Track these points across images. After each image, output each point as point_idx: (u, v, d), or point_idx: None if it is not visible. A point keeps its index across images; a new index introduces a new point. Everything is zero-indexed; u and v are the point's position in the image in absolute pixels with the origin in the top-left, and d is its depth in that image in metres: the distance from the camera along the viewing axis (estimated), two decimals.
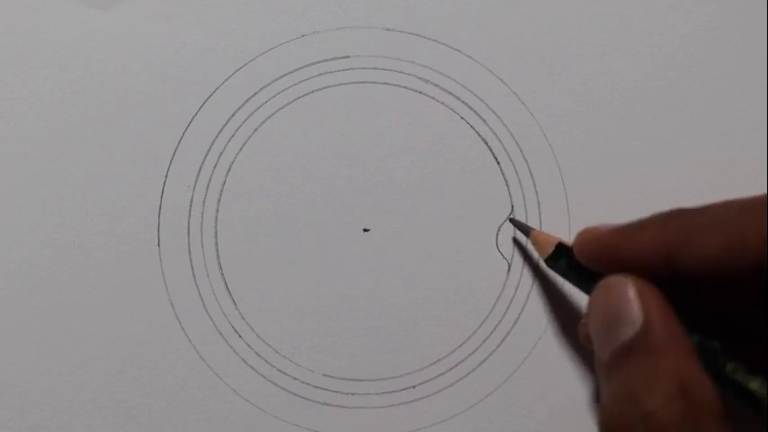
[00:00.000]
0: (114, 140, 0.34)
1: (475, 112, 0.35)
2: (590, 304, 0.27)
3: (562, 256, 0.31)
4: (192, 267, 0.34)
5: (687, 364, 0.24)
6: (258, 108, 0.34)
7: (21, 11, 0.34)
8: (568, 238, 0.35)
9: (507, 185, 0.35)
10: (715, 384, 0.24)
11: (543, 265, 0.33)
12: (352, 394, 0.34)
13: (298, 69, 0.35)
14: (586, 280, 0.29)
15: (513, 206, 0.35)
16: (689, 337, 0.25)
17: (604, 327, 0.26)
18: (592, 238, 0.28)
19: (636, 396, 0.24)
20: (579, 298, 0.35)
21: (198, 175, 0.34)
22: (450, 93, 0.35)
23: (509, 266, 0.35)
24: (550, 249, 0.31)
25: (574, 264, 0.30)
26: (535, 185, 0.35)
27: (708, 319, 0.26)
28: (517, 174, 0.35)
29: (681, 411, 0.23)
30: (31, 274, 0.33)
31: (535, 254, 0.34)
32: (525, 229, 0.34)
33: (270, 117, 0.35)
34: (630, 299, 0.25)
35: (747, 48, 0.36)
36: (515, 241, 0.34)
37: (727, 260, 0.23)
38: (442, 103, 0.35)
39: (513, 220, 0.35)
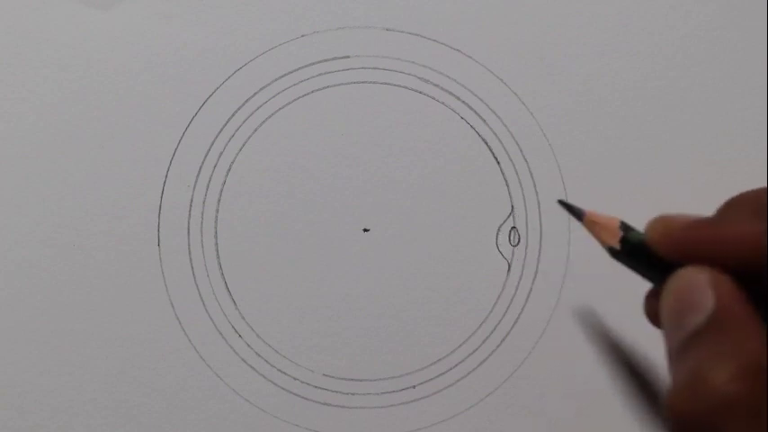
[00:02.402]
0: (114, 140, 0.34)
1: (475, 112, 0.35)
2: (663, 295, 0.27)
3: (631, 244, 0.30)
4: (192, 267, 0.34)
5: (758, 345, 0.24)
6: (258, 108, 0.34)
7: (21, 11, 0.34)
8: (567, 240, 0.35)
9: (507, 185, 0.35)
10: None
11: (542, 254, 0.33)
12: (352, 394, 0.34)
13: (298, 69, 0.35)
14: (656, 270, 0.28)
15: (513, 206, 0.35)
16: (764, 323, 0.25)
17: (676, 315, 0.26)
18: (671, 229, 0.27)
19: (702, 376, 0.23)
20: (580, 298, 0.35)
21: (198, 175, 0.34)
22: (451, 93, 0.35)
23: (509, 266, 0.35)
24: (616, 235, 0.30)
25: (645, 253, 0.29)
26: (535, 185, 0.35)
27: None
28: (517, 174, 0.35)
29: (748, 389, 0.22)
30: (31, 274, 0.33)
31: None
32: (577, 213, 0.33)
33: (270, 117, 0.35)
34: (704, 287, 0.25)
35: (747, 48, 0.36)
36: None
37: None
38: (442, 103, 0.35)
39: (562, 203, 0.33)
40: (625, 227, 0.30)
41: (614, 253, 0.30)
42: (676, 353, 0.25)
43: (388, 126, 0.35)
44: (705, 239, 0.26)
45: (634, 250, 0.30)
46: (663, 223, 0.28)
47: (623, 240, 0.30)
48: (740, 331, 0.24)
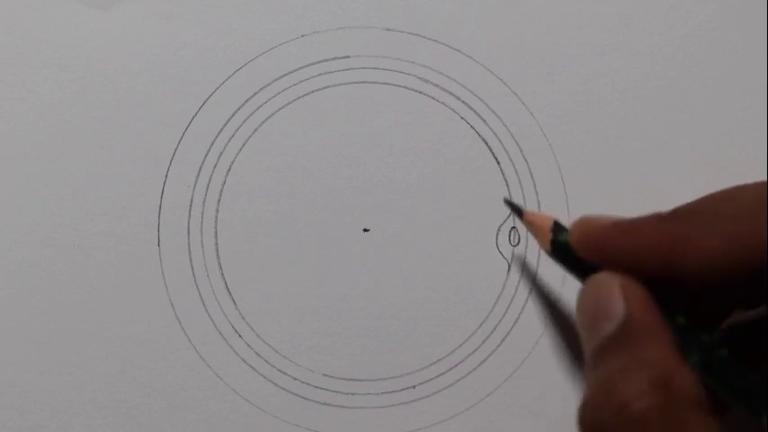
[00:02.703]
0: (114, 140, 0.34)
1: (475, 112, 0.35)
2: (577, 300, 0.27)
3: (559, 245, 0.30)
4: (192, 267, 0.34)
5: (667, 357, 0.23)
6: (258, 108, 0.34)
7: (21, 11, 0.34)
8: None
9: (507, 185, 0.35)
10: (702, 380, 0.24)
11: (541, 254, 0.33)
12: (352, 394, 0.34)
13: (298, 69, 0.35)
14: (580, 271, 0.29)
15: None
16: (673, 332, 0.24)
17: (588, 322, 0.26)
18: (590, 230, 0.27)
19: (612, 388, 0.23)
20: None
21: (198, 175, 0.34)
22: (451, 93, 0.35)
23: (509, 266, 0.35)
24: (548, 236, 0.30)
25: (571, 255, 0.29)
26: (535, 185, 0.35)
27: (708, 318, 0.26)
28: (517, 174, 0.35)
29: (658, 404, 0.22)
30: (31, 274, 0.33)
31: (533, 242, 0.34)
32: (518, 212, 0.33)
33: (270, 117, 0.35)
34: (614, 295, 0.25)
35: (747, 48, 0.36)
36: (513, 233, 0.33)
37: (727, 262, 0.23)
38: (442, 103, 0.35)
39: (507, 201, 0.34)
40: (557, 227, 0.30)
41: (549, 253, 0.31)
42: (590, 361, 0.25)
43: (388, 126, 0.35)
44: (619, 244, 0.26)
45: (562, 251, 0.30)
46: (583, 225, 0.28)
47: (553, 241, 0.30)
48: (650, 342, 0.24)
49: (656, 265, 0.25)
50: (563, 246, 0.30)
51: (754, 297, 0.25)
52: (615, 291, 0.25)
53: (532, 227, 0.32)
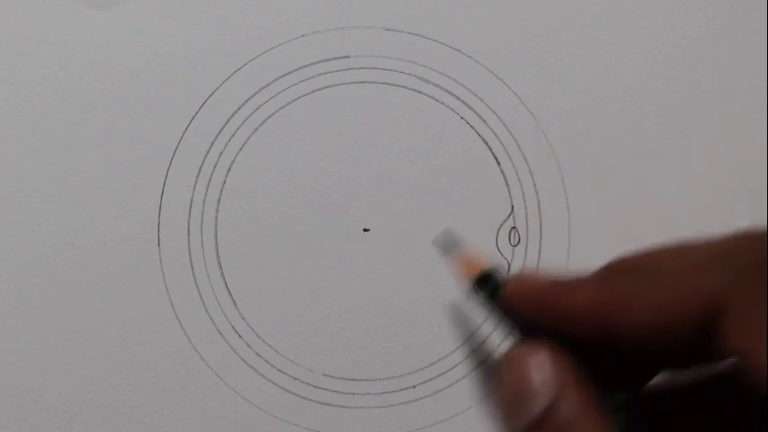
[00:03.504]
0: (114, 140, 0.34)
1: (475, 112, 0.35)
2: (498, 375, 0.25)
3: (487, 287, 0.29)
4: (192, 267, 0.34)
5: None
6: (258, 108, 0.34)
7: (21, 11, 0.34)
8: (567, 240, 0.35)
9: (507, 185, 0.35)
10: None
11: (542, 254, 0.33)
12: (352, 394, 0.34)
13: (298, 69, 0.35)
14: (510, 322, 0.27)
15: (513, 206, 0.35)
16: (605, 410, 0.23)
17: (511, 402, 0.24)
18: (528, 287, 0.26)
19: None
20: None
21: (198, 175, 0.34)
22: (451, 93, 0.35)
23: (509, 266, 0.35)
24: (474, 276, 0.29)
25: (500, 301, 0.28)
26: (535, 185, 0.35)
27: (639, 375, 0.25)
28: (517, 174, 0.35)
29: None
30: (31, 274, 0.33)
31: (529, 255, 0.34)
32: (451, 246, 0.31)
33: (270, 117, 0.35)
34: (540, 371, 0.23)
35: (747, 48, 0.36)
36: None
37: (662, 329, 0.22)
38: (442, 103, 0.35)
39: (444, 236, 0.32)
40: (484, 276, 0.29)
41: (471, 290, 0.29)
42: None
43: (388, 126, 0.35)
44: (554, 304, 0.24)
45: (490, 297, 0.28)
46: (522, 281, 0.26)
47: (480, 282, 0.29)
48: (580, 423, 0.23)
49: (590, 329, 0.23)
50: (493, 292, 0.28)
51: (691, 364, 0.24)
52: (540, 365, 0.24)
53: (461, 268, 0.30)
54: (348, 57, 0.35)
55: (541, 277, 0.26)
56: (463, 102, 0.35)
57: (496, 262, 0.30)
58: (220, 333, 0.34)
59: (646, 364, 0.24)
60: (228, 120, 0.34)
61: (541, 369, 0.23)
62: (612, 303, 0.23)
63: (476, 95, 0.35)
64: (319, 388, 0.34)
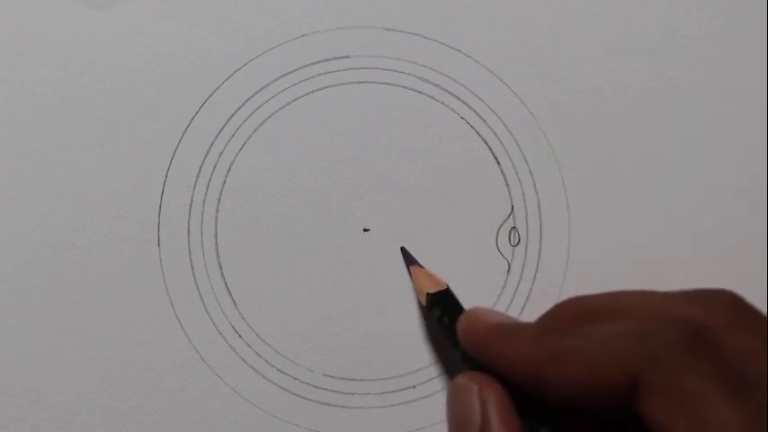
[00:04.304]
0: (114, 140, 0.34)
1: (475, 112, 0.35)
2: (446, 403, 0.28)
3: (438, 306, 0.32)
4: (192, 267, 0.34)
5: None
6: (258, 108, 0.34)
7: (21, 11, 0.34)
8: (567, 240, 0.35)
9: (507, 185, 0.35)
10: None
11: (542, 254, 0.33)
12: (352, 394, 0.34)
13: (298, 69, 0.35)
14: (459, 351, 0.30)
15: (513, 206, 0.35)
16: None
17: (454, 425, 0.27)
18: (474, 327, 0.28)
19: None
20: None
21: (198, 175, 0.34)
22: (451, 93, 0.35)
23: (509, 266, 0.35)
24: (426, 295, 0.32)
25: (450, 331, 0.30)
26: (535, 185, 0.35)
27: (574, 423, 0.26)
28: (517, 174, 0.35)
29: None
30: (31, 274, 0.33)
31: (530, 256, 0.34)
32: (410, 262, 0.34)
33: (270, 117, 0.35)
34: (473, 402, 0.26)
35: (747, 48, 0.36)
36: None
37: (588, 392, 0.23)
38: (442, 103, 0.35)
39: (403, 250, 0.35)
40: (431, 300, 0.32)
41: (426, 308, 0.32)
42: None
43: (388, 126, 0.35)
44: (496, 348, 0.27)
45: (439, 310, 0.31)
46: (470, 320, 0.29)
47: (432, 299, 0.32)
48: None
49: (525, 377, 0.25)
50: (441, 317, 0.31)
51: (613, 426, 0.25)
52: (473, 398, 0.26)
53: (416, 285, 0.33)
54: (348, 57, 0.35)
55: (490, 319, 0.28)
56: (463, 102, 0.35)
57: (445, 284, 0.32)
58: (220, 333, 0.34)
59: (581, 414, 0.25)
60: (228, 120, 0.34)
61: (474, 403, 0.26)
62: (544, 359, 0.25)
63: (476, 95, 0.35)
64: (319, 388, 0.34)
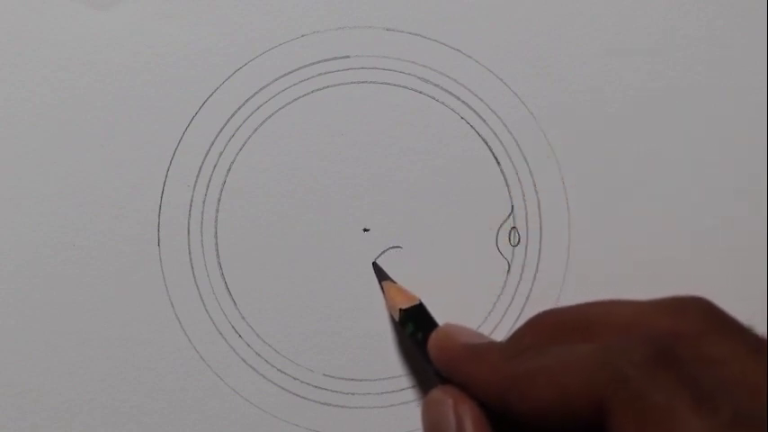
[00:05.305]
0: (114, 140, 0.34)
1: (475, 112, 0.35)
2: (421, 415, 0.28)
3: (411, 322, 0.31)
4: (192, 267, 0.34)
5: None
6: (258, 108, 0.34)
7: (21, 11, 0.34)
8: (567, 240, 0.35)
9: (507, 185, 0.35)
10: None
11: (542, 254, 0.33)
12: (352, 394, 0.34)
13: (298, 69, 0.35)
14: (431, 367, 0.30)
15: (513, 206, 0.35)
16: None
17: None
18: (444, 346, 0.29)
19: None
20: (580, 298, 0.35)
21: (198, 175, 0.34)
22: (451, 93, 0.35)
23: (509, 266, 0.35)
24: (399, 311, 0.32)
25: (420, 339, 0.30)
26: (535, 185, 0.35)
27: None
28: (517, 174, 0.35)
29: None
30: (31, 274, 0.33)
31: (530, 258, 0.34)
32: (383, 277, 0.34)
33: (270, 117, 0.35)
34: (448, 416, 0.26)
35: (747, 48, 0.36)
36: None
37: (556, 414, 0.23)
38: (442, 103, 0.35)
39: (375, 265, 0.35)
40: (404, 316, 0.32)
41: (399, 323, 0.32)
42: None
43: (388, 126, 0.35)
44: (465, 367, 0.27)
45: (411, 326, 0.31)
46: (441, 338, 0.29)
47: (404, 315, 0.32)
48: None
49: (492, 399, 0.25)
50: (414, 332, 0.31)
51: None
52: (447, 411, 0.26)
53: (389, 301, 0.33)
54: (348, 57, 0.35)
55: (461, 338, 0.28)
56: (463, 102, 0.35)
57: (418, 299, 0.32)
58: (220, 333, 0.34)
59: None
60: (228, 120, 0.34)
61: (450, 416, 0.26)
62: (508, 383, 0.25)
63: (476, 95, 0.35)
64: (319, 388, 0.34)
